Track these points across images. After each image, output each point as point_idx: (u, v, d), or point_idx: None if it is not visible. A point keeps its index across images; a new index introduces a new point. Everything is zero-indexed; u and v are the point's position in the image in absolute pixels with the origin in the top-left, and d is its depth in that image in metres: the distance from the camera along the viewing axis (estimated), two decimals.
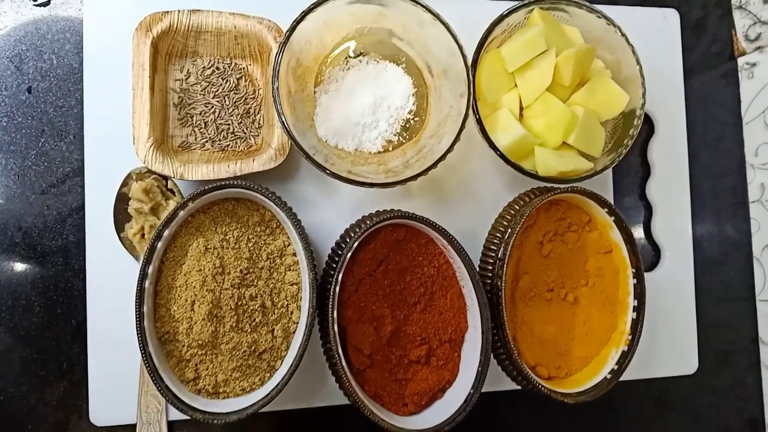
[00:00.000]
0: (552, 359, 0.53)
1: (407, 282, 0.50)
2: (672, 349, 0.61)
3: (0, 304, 0.52)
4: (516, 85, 0.51)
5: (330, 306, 0.46)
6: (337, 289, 0.46)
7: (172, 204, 0.50)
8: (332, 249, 0.50)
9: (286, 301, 0.48)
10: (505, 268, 0.49)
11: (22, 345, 0.51)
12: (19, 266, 0.52)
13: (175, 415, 0.51)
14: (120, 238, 0.50)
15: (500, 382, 0.55)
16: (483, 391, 0.55)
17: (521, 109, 0.52)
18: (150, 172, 0.49)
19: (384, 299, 0.50)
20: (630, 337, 0.52)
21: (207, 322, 0.45)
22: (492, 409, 0.58)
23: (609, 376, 0.51)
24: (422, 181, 0.50)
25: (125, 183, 0.49)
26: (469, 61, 0.48)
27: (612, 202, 0.60)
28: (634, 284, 0.53)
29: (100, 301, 0.51)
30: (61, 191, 0.52)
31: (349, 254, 0.47)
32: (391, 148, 0.53)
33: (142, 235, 0.49)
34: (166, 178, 0.50)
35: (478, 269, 0.54)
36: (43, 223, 0.52)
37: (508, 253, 0.49)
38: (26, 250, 0.52)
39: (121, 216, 0.50)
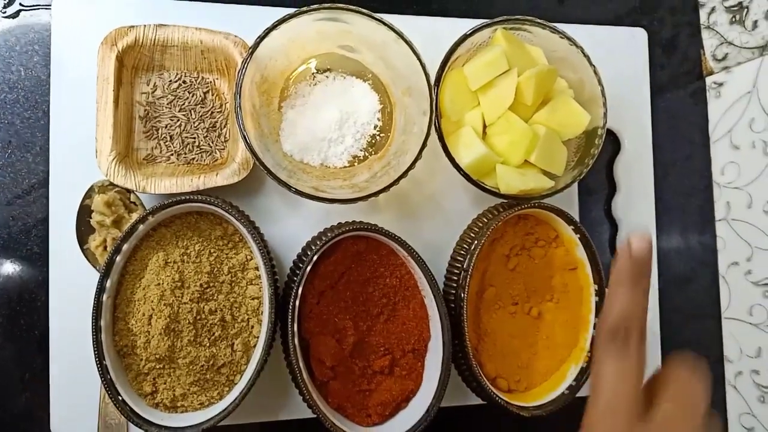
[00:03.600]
0: (513, 372, 0.54)
1: (370, 293, 0.51)
2: None
3: None
4: (479, 103, 0.52)
5: (290, 320, 0.46)
6: (297, 302, 0.47)
7: (134, 217, 0.50)
8: (294, 262, 0.50)
9: (247, 315, 0.48)
10: (468, 279, 0.50)
11: None
12: None
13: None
14: (83, 251, 0.50)
15: (468, 396, 0.55)
16: (450, 405, 0.56)
17: (484, 126, 0.53)
18: (112, 185, 0.49)
19: (346, 311, 0.50)
20: (589, 354, 0.52)
21: (164, 337, 0.45)
22: (458, 424, 0.59)
23: (566, 392, 0.52)
24: (389, 196, 0.50)
25: (88, 195, 0.50)
26: (432, 80, 0.48)
27: (578, 217, 0.61)
28: (596, 302, 0.54)
29: (62, 312, 0.51)
30: (26, 202, 0.52)
31: (309, 268, 0.47)
32: (357, 163, 0.54)
33: (105, 248, 0.49)
34: (129, 191, 0.51)
35: (444, 280, 0.54)
36: (8, 234, 0.52)
37: (472, 264, 0.50)
38: None
39: (84, 228, 0.50)
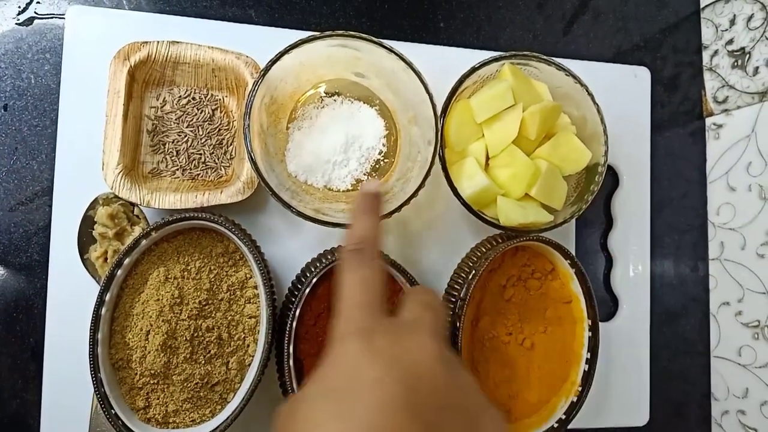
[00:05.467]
0: (503, 402, 0.54)
1: None
2: (624, 399, 0.62)
3: None
4: (483, 135, 0.53)
5: (286, 341, 0.46)
6: (294, 324, 0.47)
7: (137, 230, 0.50)
8: (292, 283, 0.51)
9: (244, 333, 0.49)
10: (464, 308, 0.50)
11: None
12: None
13: None
14: (83, 260, 0.50)
15: None
16: None
17: (487, 158, 0.53)
18: (117, 197, 0.49)
19: None
20: (580, 389, 0.53)
21: (160, 353, 0.45)
22: None
23: (556, 425, 0.52)
24: (388, 220, 0.50)
25: (92, 206, 0.50)
26: (439, 111, 0.49)
27: (574, 250, 0.62)
28: (589, 337, 0.54)
29: (59, 321, 0.51)
30: (29, 209, 0.53)
31: (307, 290, 0.47)
32: (360, 187, 0.54)
33: (105, 259, 0.50)
34: (133, 204, 0.51)
35: None
36: (9, 240, 0.52)
37: (469, 294, 0.50)
38: None
39: (85, 238, 0.50)
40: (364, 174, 0.54)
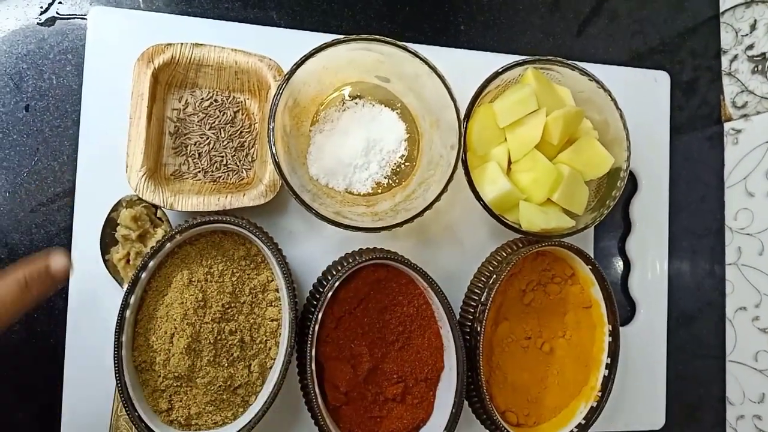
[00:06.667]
0: (522, 406, 0.54)
1: (386, 320, 0.51)
2: (641, 403, 0.62)
3: None
4: (506, 139, 0.53)
5: (308, 344, 0.46)
6: (317, 327, 0.47)
7: (159, 232, 0.50)
8: (314, 286, 0.51)
9: (265, 336, 0.49)
10: (486, 313, 0.50)
11: None
12: None
13: None
14: (104, 261, 0.50)
15: (474, 428, 0.56)
16: None
17: (509, 162, 0.53)
18: (140, 199, 0.49)
19: (363, 337, 0.50)
20: (600, 394, 0.53)
21: (184, 356, 0.45)
22: None
23: (575, 430, 0.52)
24: (409, 224, 0.50)
25: (115, 208, 0.50)
26: (462, 115, 0.49)
27: (593, 254, 0.62)
28: (609, 342, 0.54)
29: (80, 321, 0.51)
30: (50, 210, 0.52)
31: (330, 293, 0.47)
32: (380, 191, 0.54)
33: (127, 261, 0.49)
34: (156, 206, 0.51)
35: (460, 311, 0.55)
36: (30, 241, 0.52)
37: (490, 298, 0.50)
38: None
39: (108, 240, 0.50)
40: (385, 177, 0.54)
